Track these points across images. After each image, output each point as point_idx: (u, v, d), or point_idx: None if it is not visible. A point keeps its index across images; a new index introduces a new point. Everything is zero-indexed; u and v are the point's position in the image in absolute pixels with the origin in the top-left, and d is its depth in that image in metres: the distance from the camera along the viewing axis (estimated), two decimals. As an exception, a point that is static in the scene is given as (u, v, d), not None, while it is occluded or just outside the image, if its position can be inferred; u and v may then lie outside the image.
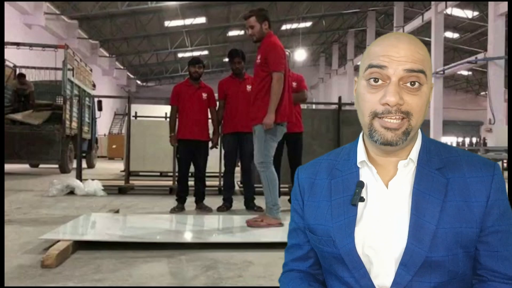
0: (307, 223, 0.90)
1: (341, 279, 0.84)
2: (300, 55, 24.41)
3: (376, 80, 0.78)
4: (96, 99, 11.92)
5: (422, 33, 21.98)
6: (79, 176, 6.51)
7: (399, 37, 0.80)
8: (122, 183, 6.70)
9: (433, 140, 0.87)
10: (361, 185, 0.82)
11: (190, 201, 4.87)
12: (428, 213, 0.78)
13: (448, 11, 19.57)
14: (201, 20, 22.05)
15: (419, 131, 0.85)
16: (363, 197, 0.82)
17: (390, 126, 0.77)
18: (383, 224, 0.80)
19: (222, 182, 5.56)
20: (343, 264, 0.82)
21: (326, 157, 0.94)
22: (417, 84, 0.77)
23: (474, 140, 24.62)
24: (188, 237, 3.44)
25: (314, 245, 0.89)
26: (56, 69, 11.34)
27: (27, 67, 11.68)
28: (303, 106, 7.66)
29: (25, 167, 11.85)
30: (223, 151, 5.22)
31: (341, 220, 0.83)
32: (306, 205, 0.90)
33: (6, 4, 13.78)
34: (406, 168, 0.82)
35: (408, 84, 0.77)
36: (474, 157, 0.84)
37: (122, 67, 28.30)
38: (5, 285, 2.12)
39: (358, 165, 0.85)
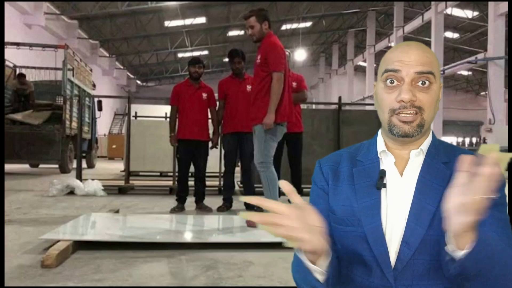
0: (330, 204, 0.96)
1: (360, 257, 0.90)
2: (300, 55, 24.43)
3: (392, 81, 0.90)
4: (96, 99, 11.91)
5: (422, 33, 21.98)
6: (79, 176, 6.50)
7: (410, 44, 0.92)
8: (122, 183, 6.70)
9: (442, 140, 0.98)
10: (383, 173, 0.92)
11: (190, 201, 4.87)
12: (430, 197, 0.87)
13: (448, 11, 19.56)
14: (201, 20, 22.05)
15: (431, 131, 0.96)
16: (385, 183, 0.91)
17: (406, 120, 0.88)
18: (397, 209, 0.89)
19: (222, 182, 5.56)
20: (364, 242, 0.89)
21: (346, 149, 1.03)
22: (427, 83, 0.89)
23: (474, 140, 24.59)
24: (188, 237, 3.44)
25: (335, 227, 0.93)
26: (56, 69, 11.33)
27: (27, 67, 11.68)
28: (303, 106, 7.66)
29: (25, 167, 11.85)
30: (223, 151, 5.22)
31: (366, 202, 0.91)
32: (331, 188, 0.97)
33: (6, 4, 13.77)
34: (418, 158, 0.92)
35: (419, 84, 0.89)
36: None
37: (122, 67, 28.29)
38: (5, 285, 2.12)
39: (379, 155, 0.95)
